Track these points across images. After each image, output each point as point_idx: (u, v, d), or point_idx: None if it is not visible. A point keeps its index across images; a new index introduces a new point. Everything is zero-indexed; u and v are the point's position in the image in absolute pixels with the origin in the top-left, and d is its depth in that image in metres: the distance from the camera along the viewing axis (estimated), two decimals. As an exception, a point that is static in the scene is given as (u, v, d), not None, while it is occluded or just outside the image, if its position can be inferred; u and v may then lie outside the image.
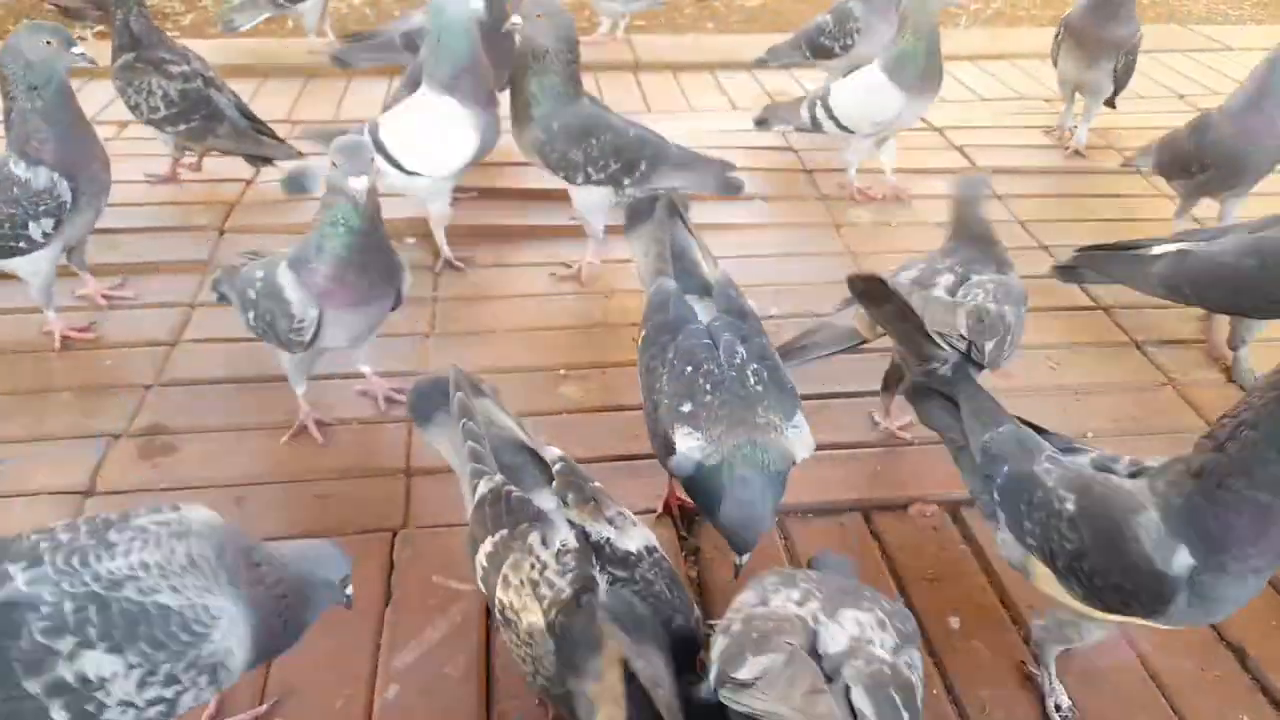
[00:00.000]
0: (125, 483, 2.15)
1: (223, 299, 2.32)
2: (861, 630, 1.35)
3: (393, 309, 2.24)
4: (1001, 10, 5.99)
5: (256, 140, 3.25)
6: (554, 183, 3.42)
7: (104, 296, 2.74)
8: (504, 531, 1.53)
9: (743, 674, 1.30)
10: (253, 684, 1.70)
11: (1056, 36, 3.84)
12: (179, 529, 1.40)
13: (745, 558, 1.75)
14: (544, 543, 1.50)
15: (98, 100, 3.91)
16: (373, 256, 2.09)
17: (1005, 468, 1.69)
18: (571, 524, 1.53)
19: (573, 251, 3.09)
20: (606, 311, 2.80)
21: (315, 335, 2.08)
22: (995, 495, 1.70)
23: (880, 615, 1.39)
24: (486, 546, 1.54)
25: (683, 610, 1.49)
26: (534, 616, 1.44)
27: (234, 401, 2.40)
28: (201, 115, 3.16)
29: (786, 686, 1.26)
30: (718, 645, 1.38)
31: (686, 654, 1.45)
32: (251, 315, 2.14)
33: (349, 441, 2.29)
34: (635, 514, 1.61)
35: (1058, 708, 1.72)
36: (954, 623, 1.88)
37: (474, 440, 1.65)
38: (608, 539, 1.51)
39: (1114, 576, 1.51)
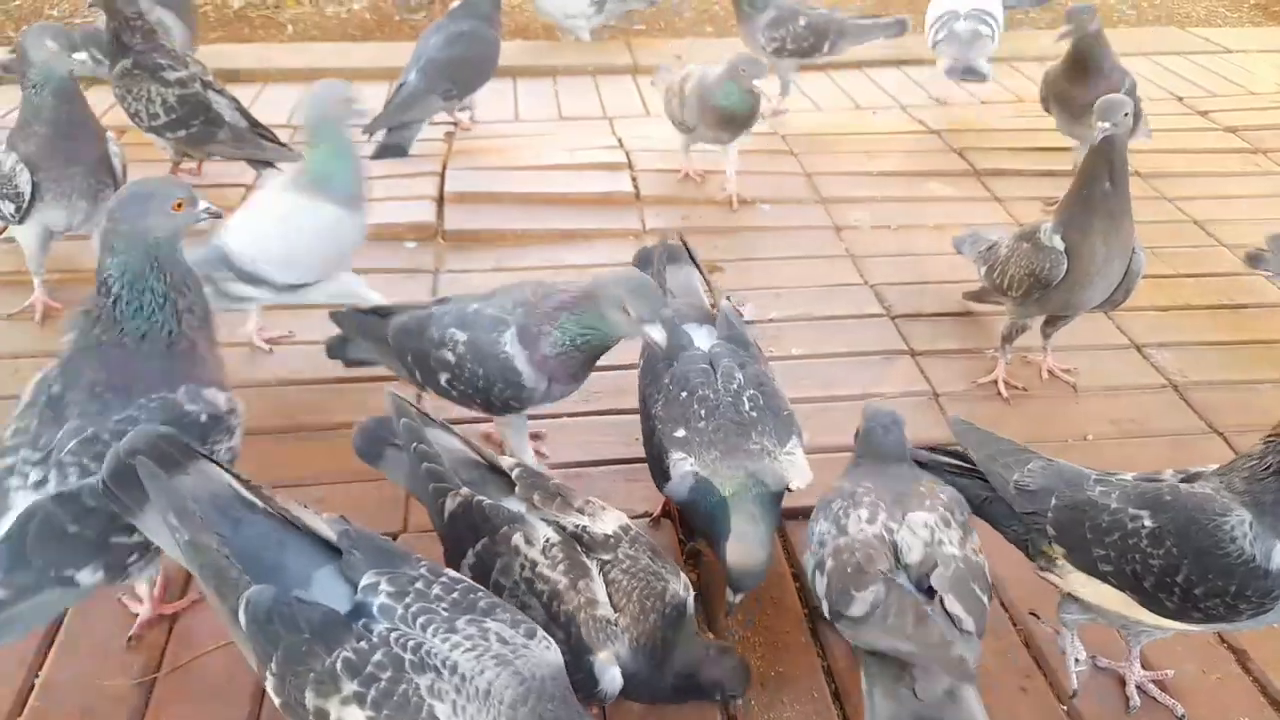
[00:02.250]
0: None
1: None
2: (932, 533, 1.52)
3: None
4: (1000, 13, 5.98)
5: (258, 144, 3.25)
6: (552, 187, 3.45)
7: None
8: (484, 540, 1.54)
9: (854, 612, 1.46)
10: (253, 693, 1.70)
11: (1042, 96, 3.58)
12: (510, 656, 1.29)
13: (740, 596, 1.75)
14: (528, 541, 1.52)
15: (96, 107, 3.90)
16: None
17: (1053, 500, 1.61)
18: (546, 521, 1.55)
19: (572, 256, 3.10)
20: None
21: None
22: (1050, 530, 1.60)
23: (942, 513, 1.56)
24: (469, 559, 1.55)
25: (671, 576, 1.52)
26: (536, 614, 1.46)
27: (234, 407, 2.39)
28: (201, 120, 3.16)
29: (897, 618, 1.43)
30: (820, 584, 1.55)
31: (679, 618, 1.49)
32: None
33: (350, 446, 2.28)
34: (633, 518, 1.61)
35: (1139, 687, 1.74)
36: (955, 626, 1.87)
37: (430, 461, 1.64)
38: (583, 527, 1.55)
39: (1216, 582, 1.45)
